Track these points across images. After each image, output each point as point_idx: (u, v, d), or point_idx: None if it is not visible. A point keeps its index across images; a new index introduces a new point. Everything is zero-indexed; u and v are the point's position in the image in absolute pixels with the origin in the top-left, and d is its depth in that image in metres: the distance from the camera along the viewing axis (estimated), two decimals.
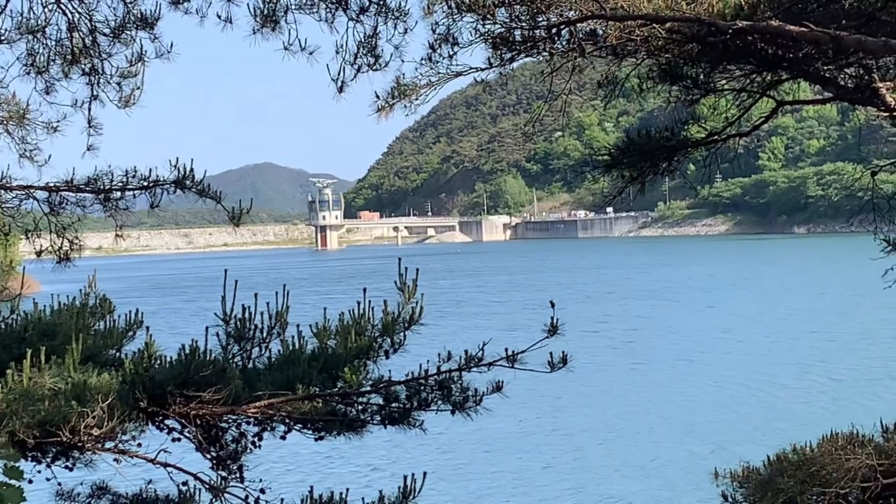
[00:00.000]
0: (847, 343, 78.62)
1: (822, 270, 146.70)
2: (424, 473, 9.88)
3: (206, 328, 9.17)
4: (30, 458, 9.08)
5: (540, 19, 10.10)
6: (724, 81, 11.68)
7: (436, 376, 9.43)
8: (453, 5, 9.70)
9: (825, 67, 11.30)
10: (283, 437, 9.64)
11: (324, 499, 10.00)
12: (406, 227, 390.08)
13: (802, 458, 12.13)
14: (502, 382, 9.46)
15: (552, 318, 9.12)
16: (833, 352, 74.77)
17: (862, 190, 12.90)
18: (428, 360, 9.46)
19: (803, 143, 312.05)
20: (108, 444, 8.99)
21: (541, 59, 10.90)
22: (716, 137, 12.19)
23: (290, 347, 9.32)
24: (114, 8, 9.35)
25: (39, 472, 9.10)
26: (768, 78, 11.53)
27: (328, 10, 8.95)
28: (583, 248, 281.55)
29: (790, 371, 65.94)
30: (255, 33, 9.20)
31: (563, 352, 9.27)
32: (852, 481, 11.94)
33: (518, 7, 9.93)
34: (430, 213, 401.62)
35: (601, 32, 10.42)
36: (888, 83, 11.18)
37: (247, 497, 9.78)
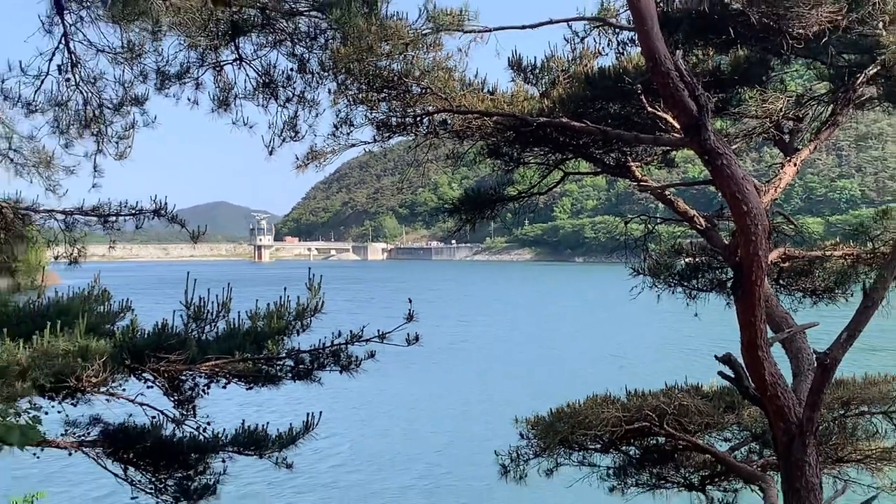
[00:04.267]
0: (607, 336, 78.93)
1: (591, 288, 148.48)
2: (321, 412, 9.89)
3: (174, 311, 9.13)
4: (46, 398, 8.94)
5: (409, 111, 10.15)
6: (530, 158, 11.79)
7: (330, 347, 9.47)
8: (351, 99, 9.71)
9: (597, 151, 11.47)
10: (224, 387, 9.60)
11: (251, 429, 9.98)
12: (316, 249, 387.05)
13: (574, 410, 12.27)
14: (375, 352, 9.56)
15: (409, 310, 9.22)
16: (597, 343, 75.22)
17: (619, 235, 13.07)
18: (325, 336, 9.52)
19: (583, 202, 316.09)
20: (102, 389, 8.87)
21: (409, 137, 10.93)
22: (523, 195, 12.32)
23: (232, 326, 9.29)
24: (116, 90, 9.25)
25: (52, 406, 8.95)
26: (559, 157, 11.68)
27: (264, 99, 8.95)
28: (435, 267, 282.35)
29: (571, 356, 66.69)
30: (213, 112, 9.17)
31: (416, 332, 9.37)
32: (605, 427, 12.11)
33: (394, 102, 9.96)
34: (332, 240, 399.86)
35: (449, 122, 10.48)
36: (637, 163, 11.41)
37: (198, 427, 9.76)
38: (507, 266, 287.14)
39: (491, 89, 10.25)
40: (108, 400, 9.13)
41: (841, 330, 10.17)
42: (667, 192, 11.34)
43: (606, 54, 11.02)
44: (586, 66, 10.92)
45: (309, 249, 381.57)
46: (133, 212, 9.36)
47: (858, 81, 10.86)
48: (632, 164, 11.34)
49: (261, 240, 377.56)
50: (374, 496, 33.74)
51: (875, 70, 10.52)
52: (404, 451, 41.10)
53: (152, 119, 9.79)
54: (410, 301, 9.29)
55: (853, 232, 12.85)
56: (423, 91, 9.80)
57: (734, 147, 10.18)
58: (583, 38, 10.82)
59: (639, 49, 9.29)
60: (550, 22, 10.29)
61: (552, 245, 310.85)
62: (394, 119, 10.20)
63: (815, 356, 10.25)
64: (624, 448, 12.63)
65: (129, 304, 9.61)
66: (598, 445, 12.46)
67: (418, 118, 10.27)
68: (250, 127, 9.18)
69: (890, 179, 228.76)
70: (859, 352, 10.76)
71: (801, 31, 9.51)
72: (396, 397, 50.14)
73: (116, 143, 9.58)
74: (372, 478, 36.80)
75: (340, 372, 9.60)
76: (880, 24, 8.23)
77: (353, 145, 10.24)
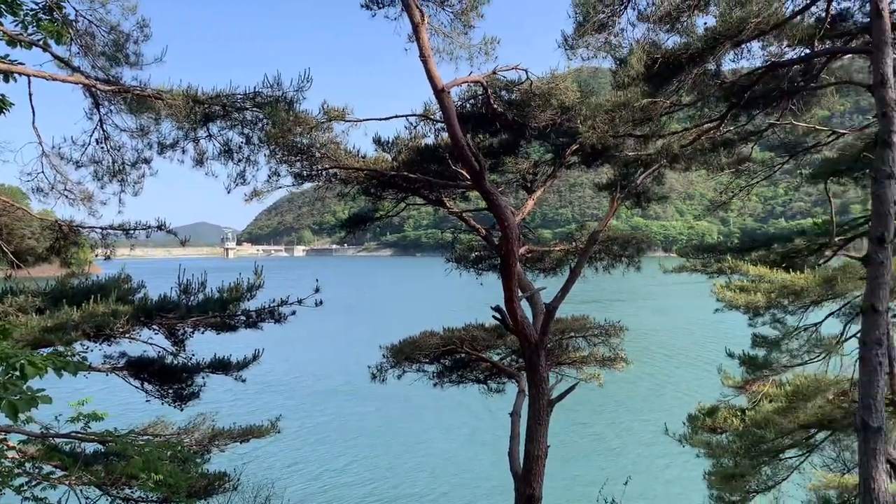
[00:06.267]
0: (433, 297, 77.06)
1: (423, 271, 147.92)
2: (263, 349, 9.48)
3: (171, 288, 8.66)
4: (92, 341, 8.34)
5: (314, 167, 9.91)
6: (387, 195, 11.69)
7: (268, 308, 9.16)
8: (277, 160, 9.39)
9: (425, 191, 11.47)
10: (202, 333, 9.14)
11: (219, 358, 9.51)
12: (262, 250, 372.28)
13: (413, 339, 12.22)
14: (295, 311, 9.23)
15: (317, 284, 9.01)
16: (426, 302, 73.76)
17: (440, 240, 13.12)
18: (265, 301, 9.17)
19: (419, 221, 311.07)
20: (127, 335, 8.35)
21: (315, 183, 10.64)
22: (384, 217, 12.23)
23: (207, 296, 8.86)
24: (132, 154, 8.70)
25: (92, 349, 8.35)
26: (404, 195, 11.64)
27: (225, 159, 8.55)
28: (335, 261, 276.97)
29: (412, 309, 65.88)
30: (193, 167, 8.73)
31: (321, 299, 9.11)
32: (431, 349, 12.18)
33: (305, 162, 9.71)
34: (272, 244, 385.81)
35: (339, 174, 10.31)
36: (447, 198, 11.48)
37: (186, 357, 9.29)
38: (377, 259, 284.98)
39: (363, 155, 10.15)
40: (130, 341, 8.65)
41: (558, 291, 10.59)
42: (464, 215, 11.52)
43: (429, 136, 11.10)
44: (418, 142, 10.98)
45: (257, 250, 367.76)
46: (144, 227, 8.85)
47: (567, 153, 11.33)
48: (445, 199, 11.42)
49: (228, 244, 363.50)
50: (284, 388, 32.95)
51: (576, 147, 11.01)
52: (310, 363, 40.40)
53: (155, 172, 9.28)
54: (318, 280, 9.13)
55: (566, 237, 13.37)
56: (322, 156, 9.60)
57: (500, 189, 10.42)
58: (415, 126, 10.83)
59: (447, 133, 9.38)
60: (397, 116, 10.27)
61: (403, 246, 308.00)
62: (304, 172, 9.94)
63: (544, 305, 10.63)
64: (441, 360, 12.73)
65: (143, 283, 9.10)
66: (427, 360, 12.51)
67: (320, 171, 10.06)
68: (216, 176, 8.80)
69: (587, 208, 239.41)
70: (573, 302, 11.18)
71: (536, 125, 9.85)
72: (310, 338, 49.24)
73: (133, 186, 9.03)
74: (290, 379, 36.01)
75: (274, 323, 9.31)
76: (579, 121, 8.63)
77: (280, 187, 9.94)
